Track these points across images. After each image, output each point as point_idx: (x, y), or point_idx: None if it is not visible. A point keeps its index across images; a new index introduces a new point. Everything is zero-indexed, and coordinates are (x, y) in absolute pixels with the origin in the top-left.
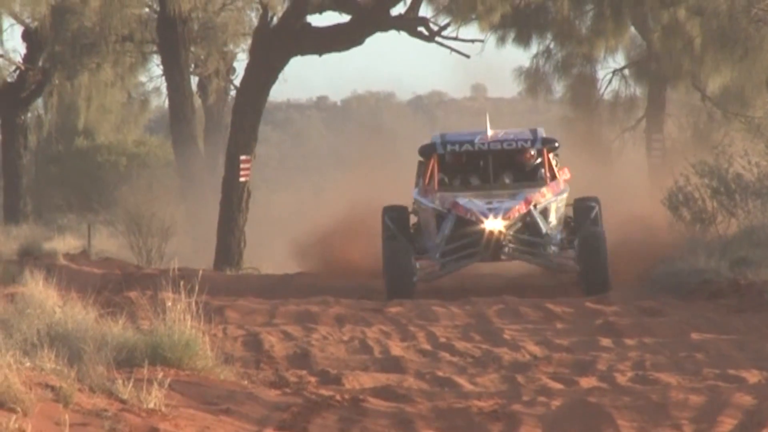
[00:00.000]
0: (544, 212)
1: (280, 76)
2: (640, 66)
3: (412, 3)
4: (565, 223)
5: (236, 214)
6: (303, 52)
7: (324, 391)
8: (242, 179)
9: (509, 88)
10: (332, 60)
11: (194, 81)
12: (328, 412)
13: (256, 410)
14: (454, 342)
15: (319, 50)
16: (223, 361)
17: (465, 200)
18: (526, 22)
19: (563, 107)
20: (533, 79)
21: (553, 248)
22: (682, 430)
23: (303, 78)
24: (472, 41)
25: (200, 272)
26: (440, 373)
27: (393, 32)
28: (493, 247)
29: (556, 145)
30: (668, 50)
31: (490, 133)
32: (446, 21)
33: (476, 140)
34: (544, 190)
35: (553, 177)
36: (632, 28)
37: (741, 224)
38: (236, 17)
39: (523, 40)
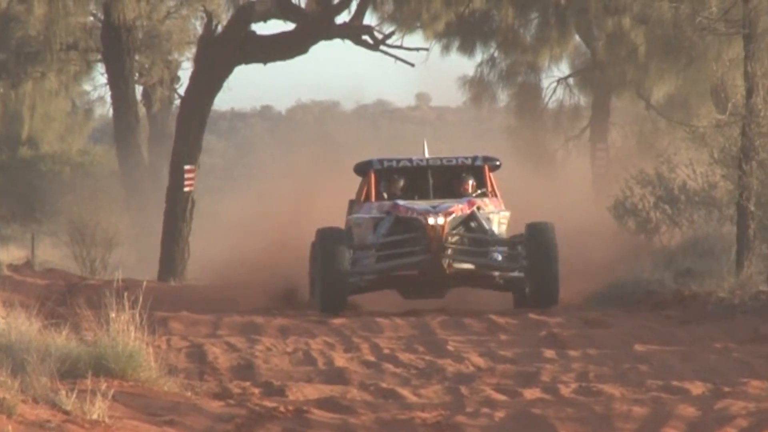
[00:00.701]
0: (487, 221)
1: (225, 84)
2: (584, 75)
3: (356, 11)
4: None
5: (180, 224)
6: (247, 61)
7: (268, 403)
8: (186, 189)
9: (454, 97)
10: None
11: (138, 90)
12: (271, 423)
13: (199, 421)
14: (398, 353)
15: (264, 59)
16: (167, 372)
17: (405, 202)
18: (471, 30)
19: (507, 116)
20: (477, 88)
21: (499, 253)
22: None
23: (247, 87)
24: (417, 50)
25: (144, 283)
26: (384, 385)
27: (338, 41)
28: (435, 247)
29: (498, 163)
30: (613, 59)
31: (428, 156)
32: (391, 29)
33: (414, 158)
34: (486, 200)
35: (495, 194)
36: (577, 37)
37: (685, 234)
38: (181, 26)
39: (467, 48)
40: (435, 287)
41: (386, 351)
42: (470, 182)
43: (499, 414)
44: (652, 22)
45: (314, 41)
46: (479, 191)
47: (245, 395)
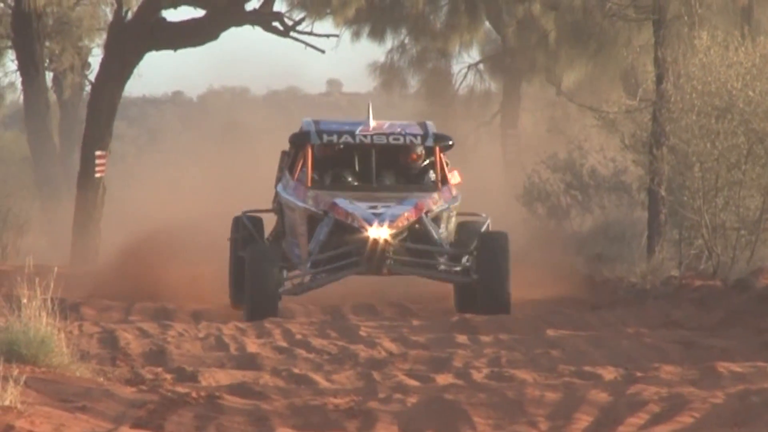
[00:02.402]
0: (435, 221)
1: (136, 71)
2: (494, 61)
3: None
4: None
5: (91, 210)
6: (158, 47)
7: (180, 389)
8: (98, 175)
9: (364, 83)
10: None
11: (49, 76)
12: (184, 409)
13: (112, 407)
14: (311, 339)
15: (174, 45)
16: (79, 358)
17: (345, 202)
18: (381, 16)
19: (418, 102)
20: (388, 74)
21: (444, 259)
22: (538, 427)
23: (159, 73)
24: (327, 36)
25: (56, 269)
26: (296, 370)
27: (248, 27)
28: (376, 259)
29: (450, 143)
30: (523, 45)
31: (372, 124)
32: (301, 16)
33: (357, 131)
34: (435, 196)
35: (445, 181)
36: (487, 23)
37: (596, 220)
38: (91, 12)
39: (377, 34)
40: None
41: (298, 336)
42: (418, 151)
43: (412, 399)
44: (562, 8)
45: (224, 28)
46: (428, 161)
47: (157, 381)
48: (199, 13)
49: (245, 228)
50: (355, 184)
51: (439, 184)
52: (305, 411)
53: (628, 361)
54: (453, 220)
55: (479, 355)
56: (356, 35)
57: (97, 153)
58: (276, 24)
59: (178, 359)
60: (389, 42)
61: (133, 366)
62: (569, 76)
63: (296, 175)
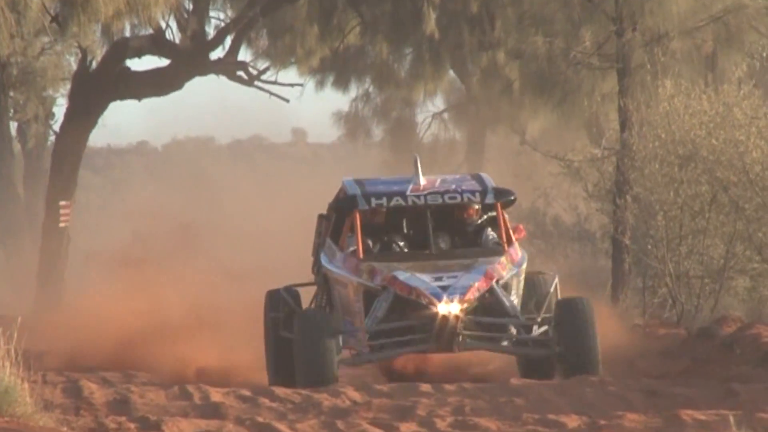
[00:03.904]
0: (506, 288)
1: (100, 120)
2: (459, 110)
3: (231, 47)
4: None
5: (56, 260)
6: (122, 97)
7: None
8: (62, 224)
9: (329, 132)
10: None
11: (13, 126)
12: None
13: None
14: (274, 388)
15: (139, 95)
16: (43, 407)
17: (406, 275)
18: (345, 65)
19: (383, 151)
20: (353, 123)
21: (519, 330)
22: None
23: (123, 123)
24: (292, 85)
25: (19, 319)
26: (260, 419)
27: (212, 76)
28: (446, 336)
29: (513, 198)
30: (487, 94)
31: (422, 181)
32: (265, 65)
33: (408, 191)
34: (503, 260)
35: (510, 241)
36: (451, 72)
37: (561, 268)
38: (55, 62)
39: (342, 83)
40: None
41: (262, 385)
42: (474, 207)
43: None
44: (526, 57)
45: (189, 77)
46: (486, 216)
47: (121, 430)
48: (164, 62)
49: (286, 304)
50: (410, 251)
51: (505, 246)
52: None
53: (591, 409)
54: (522, 284)
55: (443, 404)
56: (320, 84)
57: (62, 203)
58: (240, 73)
59: (142, 408)
60: (353, 91)
61: (97, 415)
62: (534, 125)
63: (343, 245)
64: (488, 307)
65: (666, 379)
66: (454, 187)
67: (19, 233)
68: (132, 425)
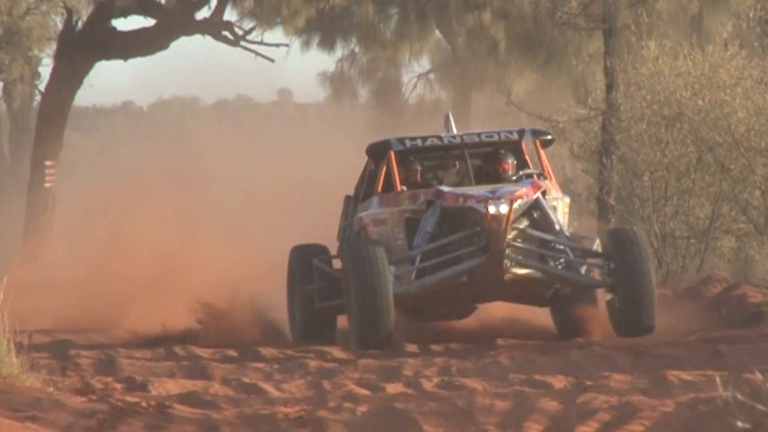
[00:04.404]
0: (554, 210)
1: (86, 80)
2: (444, 70)
3: (216, 7)
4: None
5: (42, 220)
6: (108, 57)
7: (130, 398)
8: (47, 185)
9: (315, 92)
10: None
11: None
12: (133, 418)
13: (62, 417)
14: (260, 348)
15: (125, 55)
16: (29, 368)
17: (451, 187)
18: (331, 26)
19: (368, 112)
20: (338, 84)
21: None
22: None
23: (108, 83)
24: (277, 45)
25: (5, 279)
26: (246, 380)
27: (198, 36)
28: (496, 245)
29: (550, 138)
30: (473, 54)
31: (455, 132)
32: (251, 25)
33: (443, 134)
34: (548, 183)
35: (551, 177)
36: (437, 32)
37: None
38: (41, 21)
39: (327, 44)
40: (469, 303)
41: (248, 345)
42: (510, 161)
43: (362, 408)
44: (512, 18)
45: (174, 37)
46: (523, 172)
47: (107, 391)
48: (150, 22)
49: (322, 274)
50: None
51: (550, 176)
52: (255, 420)
53: (578, 369)
54: (567, 218)
55: (429, 365)
56: (306, 45)
57: (47, 163)
58: (226, 33)
59: (128, 369)
60: (339, 51)
61: (83, 376)
62: (519, 86)
63: (379, 188)
64: (537, 225)
65: (652, 340)
66: (489, 130)
67: (5, 193)
68: (118, 386)
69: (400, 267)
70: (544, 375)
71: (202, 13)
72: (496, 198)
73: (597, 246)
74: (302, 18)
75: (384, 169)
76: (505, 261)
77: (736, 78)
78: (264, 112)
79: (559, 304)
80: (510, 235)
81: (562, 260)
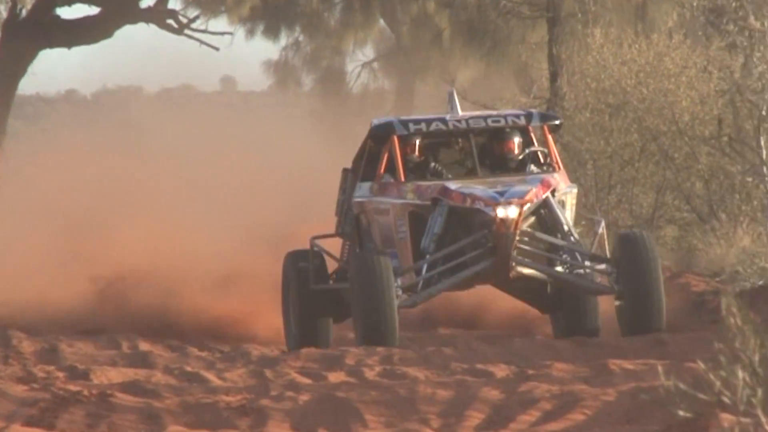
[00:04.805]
0: (562, 206)
1: (29, 68)
2: (389, 59)
3: None
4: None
5: None
6: (52, 45)
7: (72, 387)
8: None
9: (259, 81)
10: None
11: None
12: (76, 407)
13: (3, 406)
14: (203, 337)
15: (69, 43)
16: None
17: (458, 185)
18: (275, 14)
19: (312, 100)
20: (282, 72)
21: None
22: (429, 425)
23: (52, 71)
24: (222, 34)
25: None
26: (188, 368)
27: (142, 25)
28: (503, 248)
29: (558, 122)
30: (417, 43)
31: (460, 113)
32: (195, 13)
33: (448, 117)
34: (556, 176)
35: (559, 166)
36: (381, 21)
37: None
38: None
39: (272, 32)
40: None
41: (191, 334)
42: (516, 140)
43: (304, 397)
44: (456, 6)
45: (119, 25)
46: (529, 150)
47: (49, 379)
48: (94, 10)
49: (316, 256)
50: (456, 175)
51: (557, 165)
52: (197, 409)
53: (520, 358)
54: (574, 212)
55: (371, 353)
56: (251, 33)
57: None
58: (170, 22)
59: (71, 357)
60: (284, 40)
61: (25, 364)
62: (463, 74)
63: (381, 171)
64: (544, 224)
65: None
66: (496, 113)
67: None
68: (60, 374)
69: (406, 277)
70: (486, 364)
71: (147, 2)
72: (506, 201)
73: (603, 228)
74: (247, 6)
75: (386, 153)
76: (511, 262)
77: (680, 67)
78: (208, 101)
79: (560, 310)
80: (517, 237)
81: (569, 265)
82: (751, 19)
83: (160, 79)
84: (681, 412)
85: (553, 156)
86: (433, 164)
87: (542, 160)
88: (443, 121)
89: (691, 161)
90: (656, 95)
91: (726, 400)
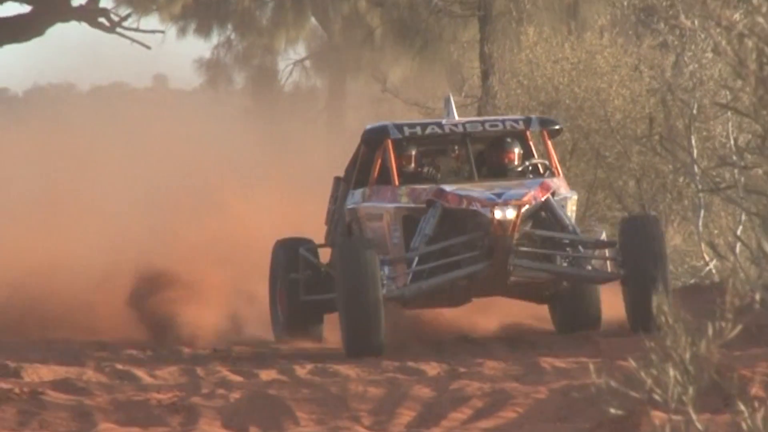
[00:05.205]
0: (563, 209)
1: None
2: (320, 57)
3: None
4: None
5: None
6: None
7: (2, 384)
8: None
9: (190, 79)
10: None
11: None
12: (7, 405)
13: None
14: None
15: (0, 41)
16: None
17: (453, 187)
18: (207, 12)
19: (244, 98)
20: (214, 70)
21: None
22: (361, 422)
23: None
24: (153, 32)
25: None
26: (120, 366)
27: (74, 23)
28: (501, 251)
29: (558, 127)
30: (349, 41)
31: (457, 118)
32: (127, 12)
33: (444, 122)
34: (556, 180)
35: (558, 171)
36: (313, 19)
37: None
38: None
39: (203, 30)
40: (465, 298)
41: (122, 333)
42: (516, 150)
43: (235, 395)
44: (387, 5)
45: (50, 23)
46: (529, 162)
47: None
48: (25, 8)
49: (308, 264)
50: (452, 178)
51: (557, 172)
52: (128, 406)
53: (451, 356)
54: (573, 218)
55: (303, 353)
56: (182, 31)
57: None
58: (102, 20)
59: (1, 355)
60: (215, 38)
61: None
62: (395, 73)
63: (375, 176)
64: (544, 225)
65: (525, 328)
66: (494, 118)
67: None
68: None
69: (395, 268)
70: (417, 362)
71: (78, 0)
72: (503, 203)
73: (603, 236)
74: (178, 5)
75: (380, 158)
76: (509, 266)
77: (612, 66)
78: (140, 99)
79: (558, 300)
80: (515, 239)
81: (569, 257)
82: (682, 17)
83: (92, 77)
84: (612, 410)
85: (552, 162)
86: (426, 168)
87: (542, 171)
88: (439, 125)
89: (623, 160)
90: (588, 94)
91: (657, 397)
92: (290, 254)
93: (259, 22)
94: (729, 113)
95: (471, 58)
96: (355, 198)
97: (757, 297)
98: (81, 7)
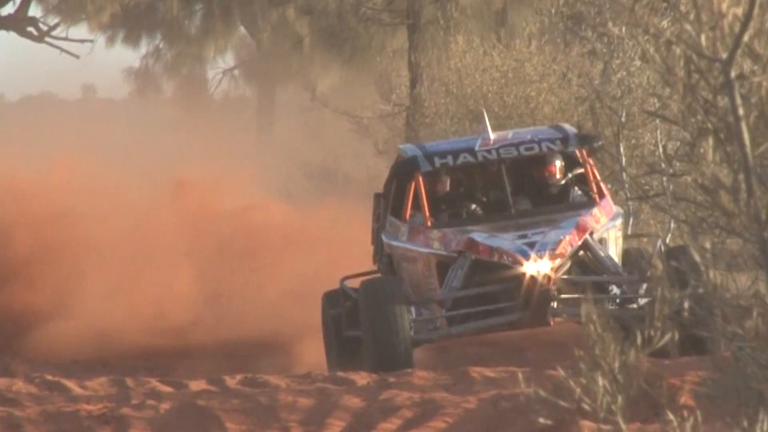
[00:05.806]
0: (602, 243)
1: None
2: (249, 66)
3: (21, 3)
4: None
5: None
6: None
7: None
8: None
9: (119, 88)
10: None
11: None
12: None
13: None
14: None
15: None
16: None
17: (484, 236)
18: (136, 21)
19: (173, 108)
20: (143, 80)
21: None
22: None
23: None
24: (82, 41)
25: None
26: (49, 377)
27: (2, 32)
28: (537, 303)
29: (599, 144)
30: (277, 50)
31: (492, 136)
32: (56, 21)
33: (476, 147)
34: (596, 212)
35: (601, 193)
36: (242, 28)
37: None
38: None
39: (132, 40)
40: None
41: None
42: (557, 164)
43: (165, 406)
44: (316, 14)
45: None
46: (572, 174)
47: None
48: None
49: (347, 297)
50: (486, 213)
51: (596, 197)
52: (58, 417)
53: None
54: (620, 243)
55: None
56: (111, 40)
57: None
58: (31, 29)
59: None
60: (144, 47)
61: None
62: (324, 81)
63: (406, 214)
64: (584, 265)
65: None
66: (530, 137)
67: None
68: None
69: (428, 309)
70: (347, 372)
71: (7, 9)
72: (537, 255)
73: (659, 247)
74: (107, 14)
75: (411, 192)
76: (548, 315)
77: (541, 73)
78: (69, 108)
79: None
80: (559, 288)
81: (616, 300)
82: (610, 25)
83: (21, 86)
84: (541, 420)
85: (592, 186)
86: (473, 206)
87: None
88: (471, 152)
89: None
90: (518, 101)
91: (586, 407)
92: (330, 312)
93: (187, 31)
94: (657, 121)
95: (400, 67)
96: (392, 229)
97: (686, 305)
98: (9, 16)
